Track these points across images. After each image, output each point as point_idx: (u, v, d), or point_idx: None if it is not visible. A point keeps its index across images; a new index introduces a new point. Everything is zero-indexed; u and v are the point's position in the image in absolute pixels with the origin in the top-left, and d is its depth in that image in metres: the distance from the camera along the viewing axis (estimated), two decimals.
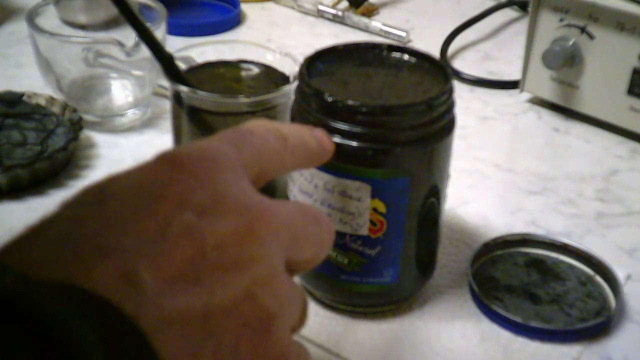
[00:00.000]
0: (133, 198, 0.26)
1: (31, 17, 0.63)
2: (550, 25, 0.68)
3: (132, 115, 0.67)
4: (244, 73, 0.53)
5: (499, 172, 0.63)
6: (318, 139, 0.36)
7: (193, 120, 0.50)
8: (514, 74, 0.75)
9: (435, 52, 0.79)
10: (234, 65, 0.53)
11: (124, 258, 0.24)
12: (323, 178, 0.42)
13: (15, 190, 0.57)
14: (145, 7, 0.66)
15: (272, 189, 0.52)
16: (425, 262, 0.47)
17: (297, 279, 0.49)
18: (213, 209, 0.27)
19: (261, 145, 0.32)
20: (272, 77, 0.52)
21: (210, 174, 0.28)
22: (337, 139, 0.41)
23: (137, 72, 0.66)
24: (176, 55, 0.50)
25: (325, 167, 0.42)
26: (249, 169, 0.31)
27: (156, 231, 0.25)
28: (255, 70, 0.53)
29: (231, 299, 0.26)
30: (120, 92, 0.68)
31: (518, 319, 0.46)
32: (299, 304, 0.30)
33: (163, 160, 0.28)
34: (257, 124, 0.33)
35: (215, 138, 0.31)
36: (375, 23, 0.86)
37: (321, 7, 0.89)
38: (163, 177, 0.27)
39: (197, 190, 0.27)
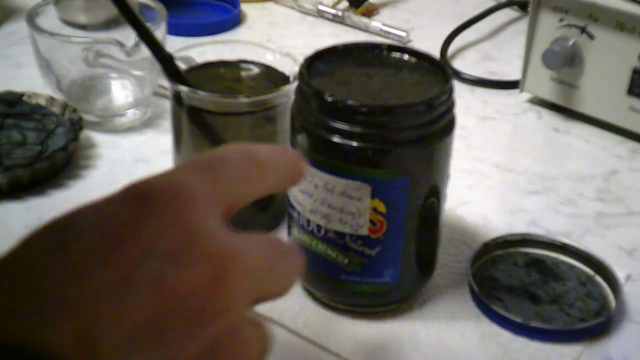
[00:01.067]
0: (98, 240, 0.25)
1: (31, 17, 0.63)
2: (550, 25, 0.68)
3: (132, 115, 0.67)
4: (244, 73, 0.53)
5: (499, 172, 0.63)
6: (293, 163, 0.34)
7: (193, 120, 0.50)
8: (514, 74, 0.75)
9: (435, 52, 0.79)
10: (234, 65, 0.53)
11: (84, 317, 0.23)
12: (323, 178, 0.42)
13: (15, 190, 0.57)
14: (145, 7, 0.66)
15: None
16: (425, 262, 0.47)
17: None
18: (181, 254, 0.26)
19: (236, 175, 0.30)
20: (272, 77, 0.52)
21: (181, 213, 0.27)
22: (337, 139, 0.41)
23: (137, 72, 0.66)
24: (176, 55, 0.50)
25: (325, 167, 0.42)
26: (223, 201, 0.29)
27: (121, 280, 0.24)
28: (255, 70, 0.53)
29: (195, 355, 0.25)
30: (120, 92, 0.68)
31: (518, 319, 0.46)
32: (261, 344, 0.29)
33: (132, 195, 0.27)
34: (232, 151, 0.31)
35: (188, 168, 0.30)
36: (375, 23, 0.86)
37: (321, 7, 0.89)
38: (131, 215, 0.26)
39: (166, 232, 0.26)
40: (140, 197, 0.27)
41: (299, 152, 0.35)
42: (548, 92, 0.70)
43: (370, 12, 0.90)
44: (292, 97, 0.45)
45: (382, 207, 0.43)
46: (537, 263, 0.51)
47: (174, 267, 0.25)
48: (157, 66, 0.49)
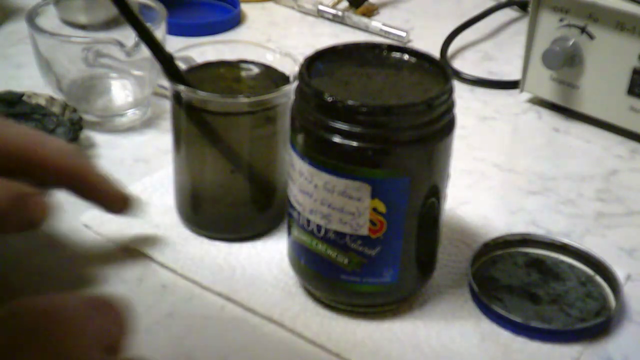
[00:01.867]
0: None
1: (31, 17, 0.63)
2: (550, 25, 0.68)
3: (132, 115, 0.67)
4: (244, 73, 0.53)
5: (499, 172, 0.63)
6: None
7: (193, 120, 0.50)
8: (514, 74, 0.75)
9: (435, 52, 0.79)
10: (234, 65, 0.53)
11: None
12: (323, 178, 0.42)
13: None
14: (145, 7, 0.66)
15: (271, 189, 0.52)
16: (425, 262, 0.47)
17: (296, 279, 0.49)
18: None
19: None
20: (272, 77, 0.52)
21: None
22: (337, 139, 0.41)
23: (137, 72, 0.66)
24: (176, 55, 0.50)
25: (325, 167, 0.42)
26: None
27: None
28: (255, 70, 0.53)
29: None
30: (120, 92, 0.68)
31: (518, 319, 0.46)
32: None
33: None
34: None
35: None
36: (375, 23, 0.86)
37: (321, 7, 0.89)
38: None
39: None
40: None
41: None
42: (548, 92, 0.70)
43: (370, 12, 0.90)
44: (292, 97, 0.45)
45: (382, 207, 0.43)
46: (537, 263, 0.51)
47: None
48: (157, 66, 0.49)
